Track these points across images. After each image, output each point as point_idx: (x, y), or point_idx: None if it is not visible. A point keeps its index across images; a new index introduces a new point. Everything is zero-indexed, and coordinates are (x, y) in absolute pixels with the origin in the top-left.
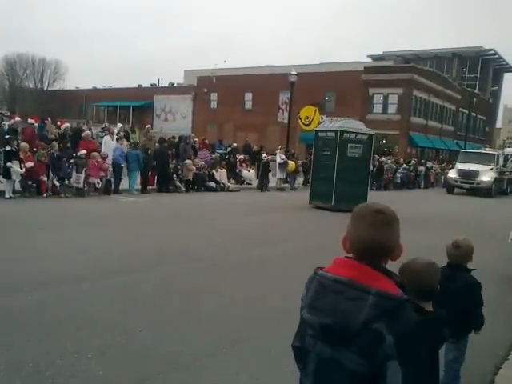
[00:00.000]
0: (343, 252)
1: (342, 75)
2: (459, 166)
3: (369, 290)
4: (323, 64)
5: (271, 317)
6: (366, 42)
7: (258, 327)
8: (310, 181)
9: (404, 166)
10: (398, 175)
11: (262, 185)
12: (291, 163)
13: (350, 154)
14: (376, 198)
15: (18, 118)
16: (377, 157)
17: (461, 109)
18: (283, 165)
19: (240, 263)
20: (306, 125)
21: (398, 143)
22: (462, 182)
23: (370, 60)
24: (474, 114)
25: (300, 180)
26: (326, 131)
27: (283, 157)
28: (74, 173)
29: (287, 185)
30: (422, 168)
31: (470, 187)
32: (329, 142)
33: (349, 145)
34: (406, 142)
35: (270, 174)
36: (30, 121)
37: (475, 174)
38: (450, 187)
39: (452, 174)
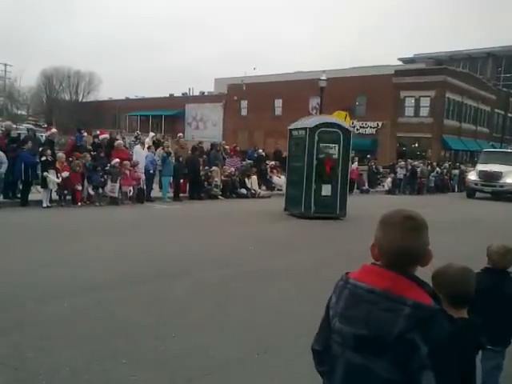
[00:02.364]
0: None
1: (372, 79)
2: (480, 167)
3: (404, 300)
4: (353, 68)
5: (301, 323)
6: (396, 45)
7: (288, 334)
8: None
9: (437, 169)
10: (431, 179)
11: None
12: None
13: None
14: (404, 202)
15: (54, 130)
16: (410, 161)
17: (496, 110)
18: None
19: (270, 269)
20: None
21: (431, 146)
22: (482, 185)
23: (400, 63)
24: (510, 114)
25: None
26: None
27: None
28: (109, 182)
29: None
30: (456, 171)
31: (492, 190)
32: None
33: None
34: (439, 145)
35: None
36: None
37: (498, 175)
38: (470, 191)
39: (472, 176)
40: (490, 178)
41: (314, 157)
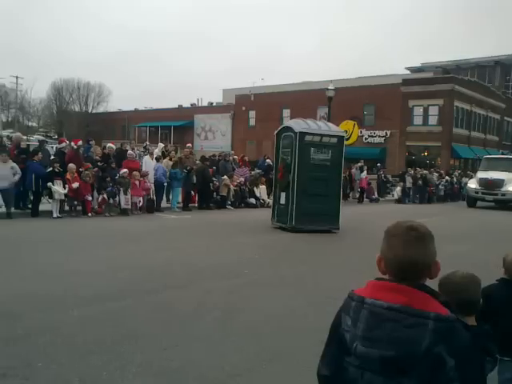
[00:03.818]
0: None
1: (380, 88)
2: (480, 174)
3: (427, 314)
4: (360, 78)
5: (308, 333)
6: (403, 55)
7: (295, 343)
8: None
9: (446, 178)
10: (441, 188)
11: None
12: None
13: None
14: (414, 211)
15: (67, 142)
16: (419, 169)
17: (506, 118)
18: None
19: (277, 279)
20: (345, 139)
21: (440, 155)
22: (483, 194)
23: (408, 72)
24: None
25: None
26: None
27: None
28: (122, 195)
29: None
30: (466, 180)
31: (493, 199)
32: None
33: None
34: (449, 154)
35: None
36: (72, 144)
37: (499, 183)
38: (470, 200)
39: (472, 184)
40: (491, 186)
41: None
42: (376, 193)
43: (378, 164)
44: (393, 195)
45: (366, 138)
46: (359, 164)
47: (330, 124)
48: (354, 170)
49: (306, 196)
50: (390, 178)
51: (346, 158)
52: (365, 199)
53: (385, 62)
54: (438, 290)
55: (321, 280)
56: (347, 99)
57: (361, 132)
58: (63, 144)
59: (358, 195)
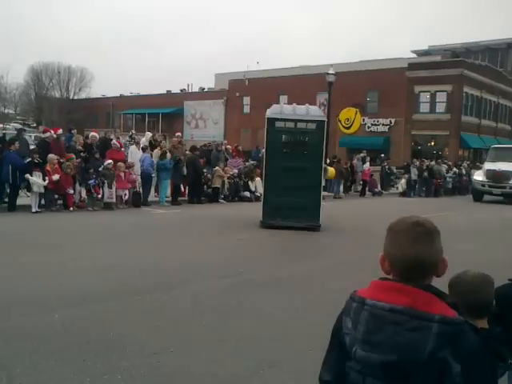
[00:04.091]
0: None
1: (384, 73)
2: (487, 165)
3: (432, 317)
4: (363, 62)
5: (310, 337)
6: (409, 37)
7: (295, 348)
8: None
9: (454, 169)
10: (448, 180)
11: None
12: (331, 169)
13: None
14: (419, 205)
15: (52, 131)
16: (425, 160)
17: None
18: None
19: (276, 278)
20: (346, 127)
21: (448, 145)
22: (490, 187)
23: (414, 55)
24: None
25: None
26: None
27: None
28: (106, 188)
29: (326, 193)
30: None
31: (501, 192)
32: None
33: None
34: (457, 144)
35: None
36: (51, 132)
37: (508, 175)
38: (476, 194)
39: (478, 176)
40: (498, 178)
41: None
42: (379, 185)
43: (382, 154)
44: (397, 188)
45: (368, 127)
46: (361, 155)
47: (312, 108)
48: (355, 161)
49: (277, 188)
50: (394, 170)
51: (350, 149)
52: (367, 192)
53: (389, 45)
54: (448, 290)
55: (321, 280)
56: (349, 85)
57: (363, 120)
58: (47, 134)
59: (359, 188)
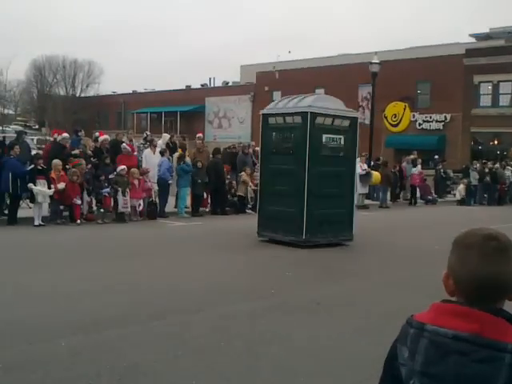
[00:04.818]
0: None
1: (437, 61)
2: None
3: (504, 346)
4: (412, 48)
5: (355, 369)
6: (467, 18)
7: (337, 383)
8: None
9: None
10: None
11: None
12: (375, 174)
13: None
14: (482, 215)
15: (65, 134)
16: (488, 163)
17: None
18: (365, 177)
19: (311, 301)
20: (393, 125)
21: None
22: None
23: (473, 40)
24: None
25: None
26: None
27: (365, 166)
28: (120, 196)
29: (370, 201)
30: None
31: None
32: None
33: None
34: None
35: None
36: (55, 136)
37: None
38: None
39: None
40: None
41: None
42: (433, 192)
43: (436, 156)
44: (454, 195)
45: (419, 124)
46: (411, 156)
47: (338, 102)
48: (404, 164)
49: (273, 197)
50: (451, 174)
51: (398, 149)
52: (419, 200)
53: (443, 29)
54: None
55: (365, 303)
56: (396, 75)
57: (413, 116)
58: (65, 135)
59: (409, 195)
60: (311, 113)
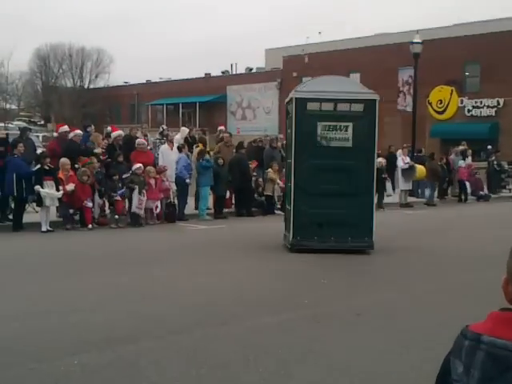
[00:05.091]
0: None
1: (487, 39)
2: None
3: None
4: (458, 25)
5: None
6: None
7: None
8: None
9: None
10: None
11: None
12: (419, 168)
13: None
14: None
15: (78, 131)
16: None
17: None
18: (408, 171)
19: (349, 312)
20: (439, 112)
21: None
22: None
23: None
24: None
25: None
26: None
27: (407, 159)
28: (135, 194)
29: (413, 198)
30: None
31: None
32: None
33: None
34: None
35: (388, 184)
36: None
37: None
38: None
39: None
40: None
41: None
42: (485, 187)
43: (489, 146)
44: (510, 190)
45: (469, 110)
46: (460, 147)
47: (351, 81)
48: (452, 156)
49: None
50: (506, 166)
51: (445, 139)
52: (470, 196)
53: (494, 2)
54: None
55: (408, 313)
56: (441, 56)
57: (461, 102)
58: (77, 132)
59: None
60: (298, 98)
